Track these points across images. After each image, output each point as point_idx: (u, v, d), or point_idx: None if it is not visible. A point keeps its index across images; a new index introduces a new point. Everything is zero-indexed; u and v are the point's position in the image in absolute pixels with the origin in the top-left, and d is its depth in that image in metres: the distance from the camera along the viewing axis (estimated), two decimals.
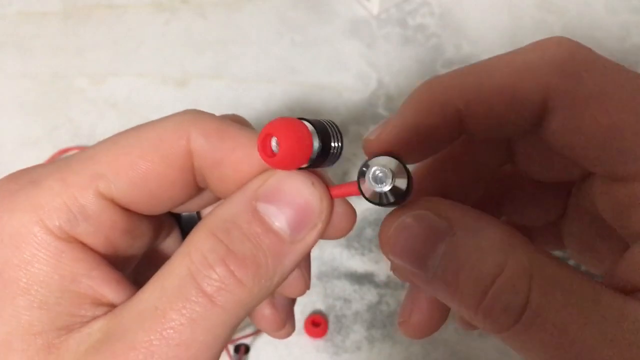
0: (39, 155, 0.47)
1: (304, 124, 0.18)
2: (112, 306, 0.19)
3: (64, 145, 0.47)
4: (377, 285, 0.43)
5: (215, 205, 0.25)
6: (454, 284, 0.18)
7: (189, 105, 0.50)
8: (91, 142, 0.47)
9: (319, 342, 0.41)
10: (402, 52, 0.53)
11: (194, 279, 0.17)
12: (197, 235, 0.18)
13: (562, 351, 0.17)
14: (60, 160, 0.20)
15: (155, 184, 0.19)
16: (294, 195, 0.19)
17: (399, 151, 0.20)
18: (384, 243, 0.19)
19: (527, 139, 0.23)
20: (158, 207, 0.21)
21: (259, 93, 0.50)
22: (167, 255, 0.26)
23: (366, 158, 0.21)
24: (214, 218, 0.18)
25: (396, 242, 0.19)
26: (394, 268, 0.20)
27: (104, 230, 0.19)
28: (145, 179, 0.19)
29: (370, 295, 0.42)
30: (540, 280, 0.17)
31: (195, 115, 0.20)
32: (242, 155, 0.19)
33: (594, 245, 0.25)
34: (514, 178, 0.27)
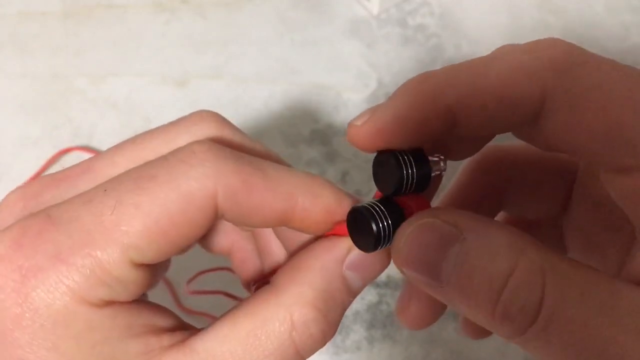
0: (39, 155, 0.47)
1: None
2: (165, 330, 0.20)
3: (64, 145, 0.47)
4: (377, 285, 0.43)
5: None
6: (468, 289, 0.18)
7: (189, 105, 0.50)
8: (91, 142, 0.47)
9: None
10: (402, 52, 0.53)
11: (295, 346, 0.20)
12: (299, 304, 0.20)
13: (584, 347, 0.16)
14: (76, 223, 0.19)
15: (185, 242, 0.20)
16: (375, 267, 0.21)
17: (396, 143, 0.20)
18: (396, 256, 0.19)
19: (522, 133, 0.24)
20: (183, 251, 0.21)
21: (259, 93, 0.50)
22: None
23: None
24: (313, 288, 0.20)
25: (408, 254, 0.19)
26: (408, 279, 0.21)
27: (140, 288, 0.20)
28: (175, 242, 0.19)
29: (370, 295, 0.42)
30: (554, 277, 0.17)
31: (218, 166, 0.19)
32: (269, 210, 0.20)
33: (598, 241, 0.25)
34: (514, 167, 0.27)
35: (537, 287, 0.17)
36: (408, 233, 0.19)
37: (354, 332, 0.41)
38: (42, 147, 0.47)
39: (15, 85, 0.50)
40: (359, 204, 0.20)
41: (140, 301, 0.20)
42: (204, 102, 0.50)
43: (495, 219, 0.29)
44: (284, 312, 0.20)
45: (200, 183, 0.19)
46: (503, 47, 0.21)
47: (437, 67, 0.56)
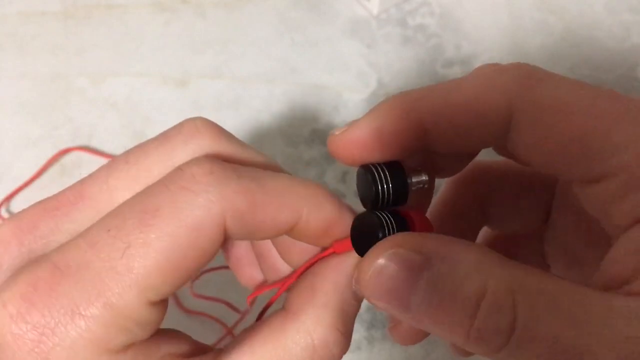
0: (39, 155, 0.47)
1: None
2: (183, 357, 0.20)
3: (64, 145, 0.47)
4: None
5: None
6: (440, 316, 0.18)
7: (189, 105, 0.50)
8: (91, 142, 0.47)
9: None
10: (402, 52, 0.53)
11: None
12: (319, 327, 0.20)
13: None
14: (87, 272, 0.18)
15: (198, 269, 0.19)
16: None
17: (373, 154, 0.21)
18: (364, 289, 0.19)
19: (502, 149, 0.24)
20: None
21: (259, 93, 0.50)
22: None
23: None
24: (329, 309, 0.21)
25: (375, 287, 0.19)
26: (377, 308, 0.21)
27: (157, 322, 0.19)
28: (188, 272, 0.19)
29: None
30: (523, 294, 0.17)
31: (222, 190, 0.19)
32: (274, 224, 0.20)
33: (579, 253, 0.25)
34: (495, 182, 0.27)
35: (508, 308, 0.17)
36: (374, 266, 0.19)
37: (354, 332, 0.41)
38: (42, 147, 0.47)
39: (15, 85, 0.50)
40: (368, 212, 0.21)
41: (160, 334, 0.20)
42: (204, 102, 0.50)
43: (479, 234, 0.29)
44: (305, 337, 0.20)
45: (207, 211, 0.18)
46: (478, 67, 0.22)
47: (437, 67, 0.57)
